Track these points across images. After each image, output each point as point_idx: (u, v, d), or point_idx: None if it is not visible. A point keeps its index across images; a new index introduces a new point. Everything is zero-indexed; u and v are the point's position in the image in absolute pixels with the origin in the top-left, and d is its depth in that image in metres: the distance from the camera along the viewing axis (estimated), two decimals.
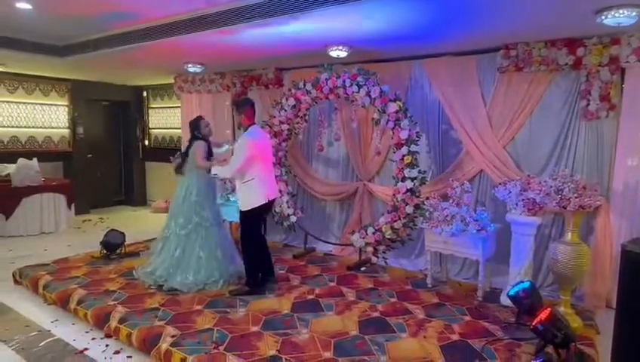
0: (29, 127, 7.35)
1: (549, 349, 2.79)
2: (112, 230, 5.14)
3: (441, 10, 3.29)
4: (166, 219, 4.35)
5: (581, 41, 3.85)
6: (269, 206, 4.06)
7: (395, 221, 4.42)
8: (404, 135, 4.30)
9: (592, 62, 3.82)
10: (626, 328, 1.99)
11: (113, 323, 3.34)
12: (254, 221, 4.01)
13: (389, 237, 4.50)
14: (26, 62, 5.96)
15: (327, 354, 2.91)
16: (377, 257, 4.74)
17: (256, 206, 3.89)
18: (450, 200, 4.07)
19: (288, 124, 5.26)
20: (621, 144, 3.83)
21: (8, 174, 6.39)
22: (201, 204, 4.18)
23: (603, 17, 3.10)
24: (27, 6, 3.91)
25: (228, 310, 3.60)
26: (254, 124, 4.05)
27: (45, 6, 3.96)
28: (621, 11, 3.00)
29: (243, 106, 4.00)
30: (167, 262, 4.07)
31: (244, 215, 3.96)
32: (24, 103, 7.29)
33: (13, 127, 7.16)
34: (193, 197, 4.18)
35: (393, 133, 4.39)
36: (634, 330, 1.96)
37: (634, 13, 3.01)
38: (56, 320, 3.62)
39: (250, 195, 3.88)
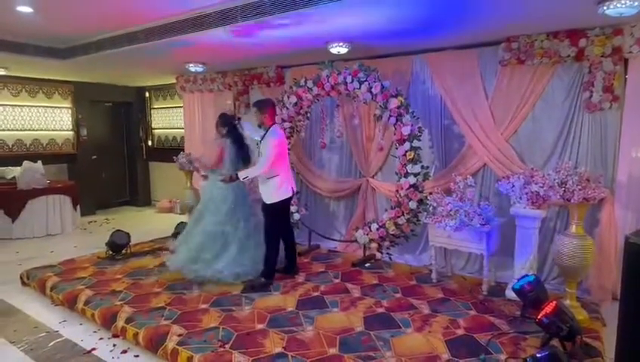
0: (33, 130, 7.40)
1: (555, 342, 2.79)
2: (118, 230, 5.18)
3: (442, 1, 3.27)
4: (214, 222, 4.28)
5: (583, 32, 3.83)
6: (290, 199, 4.28)
7: (399, 217, 4.43)
8: (406, 130, 4.29)
9: (595, 54, 3.79)
10: (630, 320, 1.98)
11: (120, 323, 3.37)
12: (278, 214, 4.17)
13: (392, 233, 4.50)
14: (29, 65, 6.00)
15: (333, 351, 2.92)
16: (382, 253, 4.74)
17: (281, 199, 4.12)
18: (454, 195, 4.06)
19: (290, 121, 5.27)
20: (625, 135, 3.81)
21: (14, 177, 6.44)
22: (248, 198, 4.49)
23: (604, 8, 3.07)
24: (28, 9, 3.93)
25: (233, 308, 3.62)
26: (275, 123, 4.23)
27: (46, 9, 3.97)
28: (623, 1, 2.97)
29: (266, 107, 4.16)
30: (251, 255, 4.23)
31: (268, 208, 4.13)
32: (28, 106, 7.33)
33: (17, 130, 7.21)
34: (247, 195, 4.46)
35: (395, 128, 4.38)
36: (638, 322, 1.95)
37: (636, 3, 2.98)
38: (64, 321, 3.66)
39: (275, 189, 4.08)
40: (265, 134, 4.09)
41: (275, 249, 4.17)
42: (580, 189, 3.21)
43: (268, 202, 4.11)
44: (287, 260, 4.45)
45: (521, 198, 3.63)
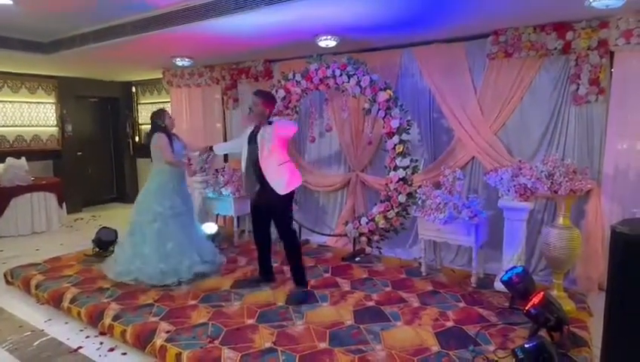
0: (16, 126, 7.22)
1: (543, 333, 2.81)
2: (104, 227, 5.10)
3: None
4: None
5: (570, 25, 3.85)
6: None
7: (388, 210, 4.42)
8: (395, 124, 4.28)
9: (581, 46, 3.82)
10: (616, 309, 2.00)
11: (107, 321, 3.32)
12: (290, 206, 3.82)
13: (382, 226, 4.50)
14: (11, 59, 5.85)
15: (323, 345, 2.91)
16: (371, 247, 4.75)
17: (296, 187, 3.76)
18: (443, 188, 4.07)
19: (279, 116, 5.22)
20: (611, 127, 3.84)
21: None
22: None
23: (591, 0, 3.08)
24: (7, 1, 3.82)
25: (223, 304, 3.59)
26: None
27: (26, 1, 3.87)
28: None
29: (272, 102, 3.85)
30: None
31: (282, 199, 3.66)
32: (10, 102, 7.15)
33: None
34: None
35: (384, 122, 4.38)
36: (624, 312, 1.97)
37: None
38: (50, 320, 3.60)
39: (289, 176, 3.69)
40: (261, 128, 3.70)
41: (299, 247, 3.87)
42: (567, 181, 3.23)
43: (283, 192, 3.62)
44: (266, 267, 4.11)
45: (509, 191, 3.65)
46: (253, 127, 3.83)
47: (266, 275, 4.08)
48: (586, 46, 3.79)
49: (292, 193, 3.77)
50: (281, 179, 3.66)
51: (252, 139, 3.76)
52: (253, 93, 3.87)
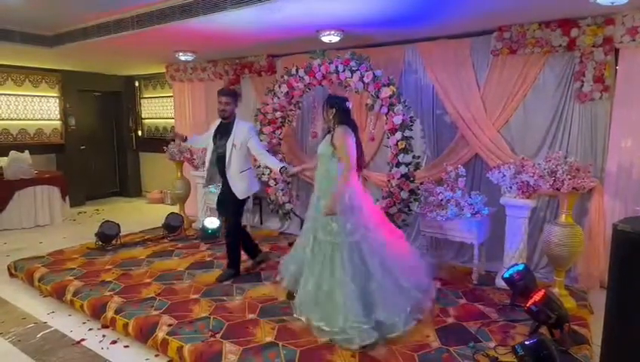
0: (19, 120, 7.26)
1: (543, 330, 2.82)
2: (107, 221, 5.13)
3: None
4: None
5: (575, 21, 3.82)
6: None
7: (390, 206, 4.42)
8: (397, 120, 4.27)
9: (586, 43, 3.79)
10: (616, 307, 2.00)
11: (109, 314, 3.34)
12: (243, 209, 4.17)
13: None
14: (15, 53, 5.86)
15: (324, 340, 2.92)
16: None
17: (253, 192, 4.12)
18: (445, 185, 4.07)
19: (282, 111, 5.22)
20: (615, 125, 3.82)
21: (0, 167, 6.34)
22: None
23: None
24: None
25: (224, 298, 3.60)
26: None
27: None
28: None
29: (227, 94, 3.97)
30: None
31: (240, 204, 4.02)
32: (14, 95, 7.18)
33: (3, 119, 7.06)
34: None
35: (387, 118, 4.37)
36: (625, 309, 1.97)
37: None
38: (53, 312, 3.63)
39: (249, 183, 4.00)
40: (232, 127, 3.87)
41: (239, 241, 4.12)
42: (569, 179, 3.22)
43: (241, 197, 3.94)
44: (251, 249, 4.35)
45: (511, 188, 3.64)
46: (218, 123, 4.00)
47: (255, 253, 4.34)
48: (591, 43, 3.77)
49: (248, 197, 4.09)
50: (241, 183, 3.92)
51: (219, 137, 3.97)
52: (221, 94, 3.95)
